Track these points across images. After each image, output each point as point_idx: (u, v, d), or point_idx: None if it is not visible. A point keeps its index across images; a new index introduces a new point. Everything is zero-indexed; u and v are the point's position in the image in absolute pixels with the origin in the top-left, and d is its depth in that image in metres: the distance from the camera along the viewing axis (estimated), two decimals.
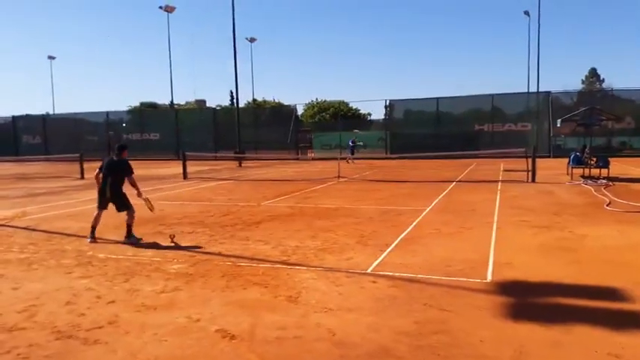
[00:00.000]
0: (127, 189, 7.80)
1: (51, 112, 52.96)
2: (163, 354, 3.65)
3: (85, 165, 21.75)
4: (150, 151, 37.93)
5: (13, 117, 44.31)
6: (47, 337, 4.00)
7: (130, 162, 7.83)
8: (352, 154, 28.48)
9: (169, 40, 48.70)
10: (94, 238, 7.53)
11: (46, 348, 3.79)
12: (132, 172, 7.77)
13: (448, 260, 6.07)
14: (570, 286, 5.11)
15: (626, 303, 4.56)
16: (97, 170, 7.86)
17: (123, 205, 7.65)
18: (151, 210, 8.11)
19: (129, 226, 7.54)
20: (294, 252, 6.65)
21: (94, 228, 7.63)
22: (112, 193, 7.61)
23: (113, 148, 8.14)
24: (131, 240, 7.42)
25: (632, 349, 3.56)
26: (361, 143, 30.21)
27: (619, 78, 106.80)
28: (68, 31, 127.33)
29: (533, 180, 15.13)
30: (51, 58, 60.44)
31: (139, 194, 7.86)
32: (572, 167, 16.22)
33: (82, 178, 20.10)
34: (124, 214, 7.61)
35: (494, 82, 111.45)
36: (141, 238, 7.55)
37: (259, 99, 58.67)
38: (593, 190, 12.79)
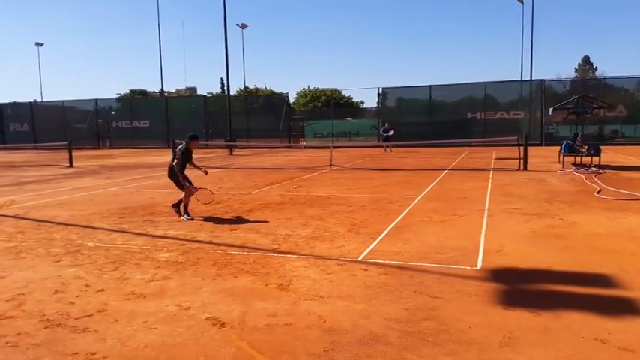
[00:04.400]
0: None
1: (39, 100, 52.28)
2: (153, 341, 3.63)
3: (74, 153, 21.56)
4: (140, 139, 37.60)
5: (0, 104, 43.64)
6: (36, 325, 3.97)
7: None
8: (385, 141, 27.17)
9: (159, 26, 47.96)
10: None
11: (35, 336, 3.76)
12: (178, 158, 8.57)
13: (439, 248, 6.09)
14: (560, 272, 5.15)
15: (614, 289, 4.61)
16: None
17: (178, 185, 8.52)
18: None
19: (181, 201, 8.43)
20: (285, 240, 6.64)
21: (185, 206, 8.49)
22: (169, 174, 8.60)
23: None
24: (176, 209, 8.42)
25: (618, 335, 3.59)
26: (392, 132, 27.91)
27: (612, 66, 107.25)
28: (56, 17, 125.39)
29: (525, 168, 15.21)
30: (39, 44, 59.35)
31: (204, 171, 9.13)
32: (564, 155, 16.30)
33: (71, 166, 19.92)
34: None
35: (487, 69, 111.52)
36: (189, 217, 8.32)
37: (251, 86, 58.20)
38: (584, 178, 12.88)
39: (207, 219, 8.25)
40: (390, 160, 21.30)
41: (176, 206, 8.46)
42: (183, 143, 8.67)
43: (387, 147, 26.94)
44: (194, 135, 8.87)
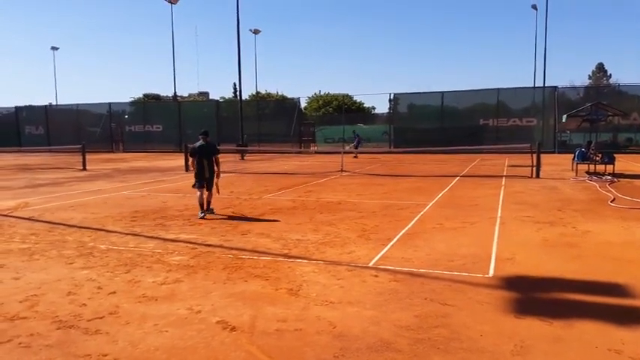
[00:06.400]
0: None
1: (54, 103, 52.95)
2: (164, 345, 3.65)
3: (88, 156, 21.82)
4: (152, 143, 37.84)
5: (16, 108, 44.26)
6: (48, 326, 4.01)
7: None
8: (356, 147, 27.92)
9: (173, 31, 48.05)
10: (204, 214, 8.74)
11: (47, 337, 3.81)
12: (219, 152, 9.16)
13: (450, 255, 6.05)
14: (572, 281, 5.09)
15: (628, 299, 4.54)
16: (190, 158, 9.28)
17: (212, 184, 8.95)
18: (217, 192, 9.25)
19: (209, 203, 8.90)
20: (295, 245, 6.65)
21: (201, 205, 8.80)
22: (210, 173, 8.86)
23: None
24: (210, 212, 8.85)
25: (632, 345, 3.54)
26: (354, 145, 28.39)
27: (626, 73, 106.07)
28: (71, 21, 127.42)
29: (538, 175, 15.07)
30: (54, 48, 60.28)
31: (218, 175, 9.06)
32: (577, 163, 16.12)
33: (85, 169, 20.15)
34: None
35: (499, 76, 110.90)
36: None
37: (263, 91, 58.55)
38: (597, 186, 12.72)
39: (218, 223, 8.28)
40: (401, 165, 21.24)
41: (209, 209, 8.88)
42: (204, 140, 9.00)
43: (354, 152, 27.41)
44: (205, 130, 9.25)
